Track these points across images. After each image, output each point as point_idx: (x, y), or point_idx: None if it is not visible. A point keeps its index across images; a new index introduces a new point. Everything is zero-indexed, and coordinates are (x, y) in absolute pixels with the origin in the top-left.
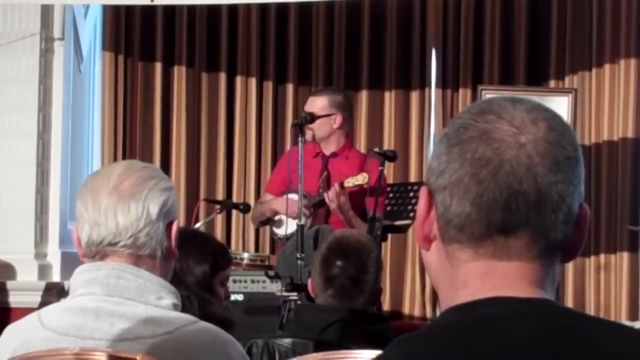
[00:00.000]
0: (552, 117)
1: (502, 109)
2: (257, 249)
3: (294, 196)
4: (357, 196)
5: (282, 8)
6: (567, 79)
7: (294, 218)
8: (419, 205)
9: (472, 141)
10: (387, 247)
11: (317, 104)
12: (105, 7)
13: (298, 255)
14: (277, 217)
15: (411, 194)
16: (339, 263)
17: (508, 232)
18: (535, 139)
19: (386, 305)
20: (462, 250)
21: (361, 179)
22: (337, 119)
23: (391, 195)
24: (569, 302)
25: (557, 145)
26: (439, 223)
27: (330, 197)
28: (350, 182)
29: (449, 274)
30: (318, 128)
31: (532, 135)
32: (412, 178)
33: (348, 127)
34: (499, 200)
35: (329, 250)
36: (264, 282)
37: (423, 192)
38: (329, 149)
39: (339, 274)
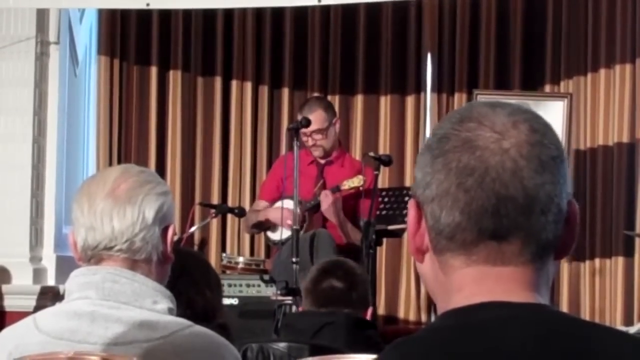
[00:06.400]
0: (533, 118)
1: (482, 116)
2: (252, 253)
3: (289, 203)
4: (352, 199)
5: (278, 12)
6: (562, 84)
7: (289, 229)
8: (408, 217)
9: (456, 151)
10: (382, 252)
11: (319, 117)
12: (100, 11)
13: (293, 259)
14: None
15: (406, 199)
16: (329, 279)
17: (500, 237)
18: (518, 143)
19: (381, 310)
20: (455, 258)
21: (357, 181)
22: (337, 123)
23: (386, 199)
24: (564, 307)
25: (540, 146)
26: (430, 234)
27: (322, 198)
28: (346, 185)
29: (443, 283)
30: (327, 142)
31: (515, 139)
32: (408, 182)
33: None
34: (488, 207)
35: (319, 271)
36: (259, 286)
37: (411, 205)
38: (326, 156)
39: (332, 287)
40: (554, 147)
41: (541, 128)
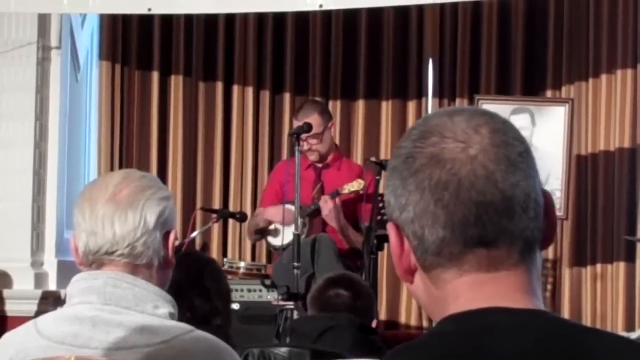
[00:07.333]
0: (491, 119)
1: (441, 128)
2: (253, 258)
3: (290, 207)
4: (352, 203)
5: (280, 17)
6: (564, 89)
7: (289, 225)
8: (391, 242)
9: (425, 169)
10: (383, 257)
11: (315, 121)
12: (102, 17)
13: (295, 265)
14: (272, 227)
15: None
16: (336, 288)
17: (487, 244)
18: (484, 148)
19: (383, 315)
20: (446, 272)
21: (357, 185)
22: (333, 127)
23: None
24: (566, 312)
25: (506, 146)
26: (416, 254)
27: (322, 204)
28: (346, 189)
29: (438, 298)
30: (323, 146)
31: (479, 144)
32: None
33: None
34: (470, 217)
35: (325, 281)
36: (260, 291)
37: (391, 229)
38: (322, 160)
39: (337, 295)
40: (518, 143)
41: (502, 127)
